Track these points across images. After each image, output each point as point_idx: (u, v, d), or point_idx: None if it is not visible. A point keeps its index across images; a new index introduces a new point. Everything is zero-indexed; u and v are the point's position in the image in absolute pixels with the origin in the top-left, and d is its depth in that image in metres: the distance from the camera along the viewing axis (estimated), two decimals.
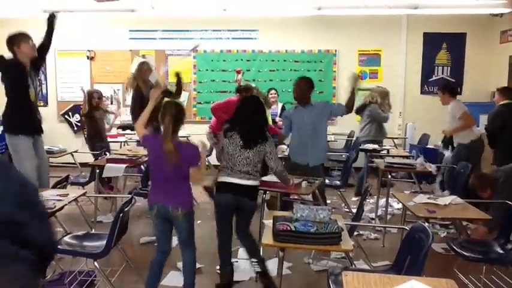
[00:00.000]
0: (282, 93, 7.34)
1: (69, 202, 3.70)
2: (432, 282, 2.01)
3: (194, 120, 8.26)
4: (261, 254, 4.03)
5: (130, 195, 3.76)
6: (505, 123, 5.60)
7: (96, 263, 3.30)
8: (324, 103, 5.20)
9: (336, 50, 8.33)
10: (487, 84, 8.03)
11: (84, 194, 4.22)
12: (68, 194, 3.80)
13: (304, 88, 4.80)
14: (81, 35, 8.50)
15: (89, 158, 6.26)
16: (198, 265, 4.10)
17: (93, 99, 6.38)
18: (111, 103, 8.40)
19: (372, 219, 5.50)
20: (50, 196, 3.65)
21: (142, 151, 5.57)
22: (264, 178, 4.23)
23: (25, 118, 4.54)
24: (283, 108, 6.86)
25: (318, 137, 4.74)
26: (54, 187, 4.31)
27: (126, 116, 8.37)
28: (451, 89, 5.89)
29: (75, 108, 8.74)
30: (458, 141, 5.75)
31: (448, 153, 6.23)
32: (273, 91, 7.01)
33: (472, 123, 5.66)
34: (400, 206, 5.47)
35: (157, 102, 3.63)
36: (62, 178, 4.57)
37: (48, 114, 8.71)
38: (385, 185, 5.48)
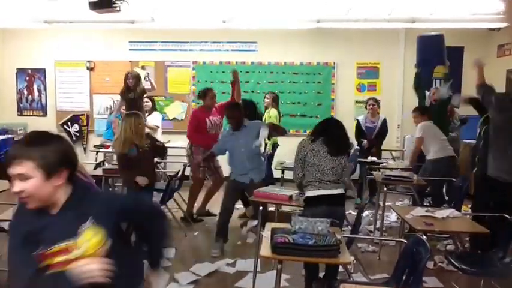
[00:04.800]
0: (280, 105, 7.36)
1: None
2: None
3: None
4: (259, 266, 4.03)
5: None
6: None
7: None
8: (255, 124, 4.98)
9: (334, 63, 8.38)
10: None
11: None
12: None
13: (240, 116, 4.87)
14: (81, 45, 8.54)
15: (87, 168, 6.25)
16: (195, 277, 4.11)
17: None
18: (110, 114, 8.38)
19: (370, 231, 5.49)
20: None
21: None
22: (262, 189, 4.25)
23: None
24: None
25: (256, 155, 4.87)
26: None
27: None
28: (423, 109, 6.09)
29: (74, 119, 8.75)
30: (426, 157, 5.74)
31: None
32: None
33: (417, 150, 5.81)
34: (397, 218, 5.47)
35: None
36: None
37: (47, 125, 8.74)
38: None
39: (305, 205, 3.65)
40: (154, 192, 5.58)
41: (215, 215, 6.05)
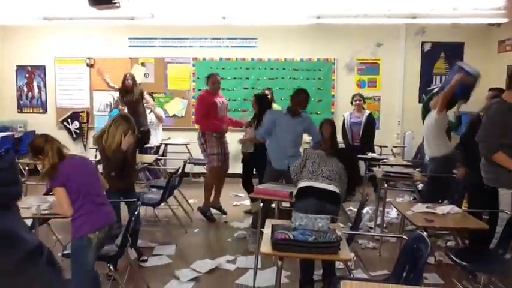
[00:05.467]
0: (280, 102, 7.35)
1: None
2: None
3: (193, 128, 8.24)
4: (259, 263, 4.03)
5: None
6: None
7: (110, 265, 3.42)
8: (309, 119, 5.01)
9: (334, 59, 8.36)
10: (485, 94, 8.04)
11: None
12: None
13: (307, 101, 4.96)
14: (81, 42, 8.53)
15: None
16: (195, 274, 4.12)
17: None
18: (110, 111, 8.37)
19: (371, 228, 5.50)
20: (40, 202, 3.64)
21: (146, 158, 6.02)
22: (261, 186, 4.25)
23: None
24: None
25: (297, 145, 4.93)
26: (46, 194, 4.19)
27: None
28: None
29: (74, 115, 8.75)
30: (432, 155, 5.28)
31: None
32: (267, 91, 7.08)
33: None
34: (397, 214, 5.46)
35: None
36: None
37: (47, 122, 8.74)
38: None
39: (296, 198, 3.65)
40: (155, 189, 5.59)
41: (225, 213, 6.05)
